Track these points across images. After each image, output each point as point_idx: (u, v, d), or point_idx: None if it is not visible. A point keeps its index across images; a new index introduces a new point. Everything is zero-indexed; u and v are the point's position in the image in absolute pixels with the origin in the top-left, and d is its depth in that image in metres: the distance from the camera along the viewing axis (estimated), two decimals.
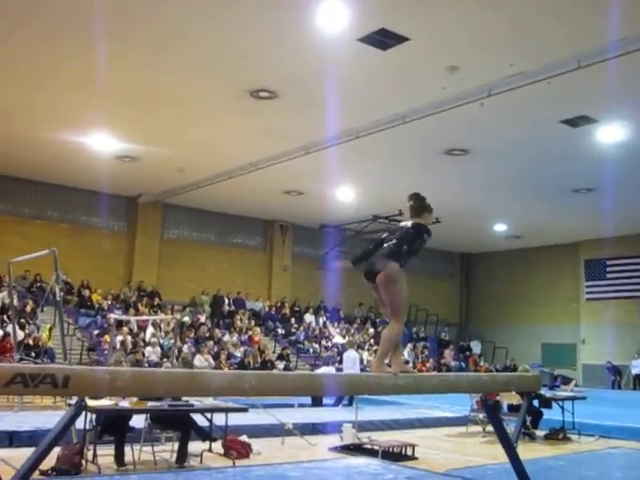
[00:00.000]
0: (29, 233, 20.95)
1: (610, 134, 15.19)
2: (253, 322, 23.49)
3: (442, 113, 13.70)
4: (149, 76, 13.11)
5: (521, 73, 11.96)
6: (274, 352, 21.82)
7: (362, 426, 10.99)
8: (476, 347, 29.59)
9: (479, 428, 11.94)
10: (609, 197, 19.19)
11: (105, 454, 7.62)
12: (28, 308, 18.19)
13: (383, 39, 11.22)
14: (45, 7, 10.61)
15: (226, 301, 24.24)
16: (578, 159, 17.00)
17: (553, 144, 16.04)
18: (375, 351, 23.59)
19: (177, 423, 8.18)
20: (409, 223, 5.52)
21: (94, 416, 7.63)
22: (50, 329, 17.28)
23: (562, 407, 11.92)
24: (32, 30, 11.36)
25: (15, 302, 14.01)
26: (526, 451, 9.01)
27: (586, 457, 10.16)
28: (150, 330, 19.61)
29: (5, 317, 17.20)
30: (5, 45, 11.95)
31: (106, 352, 15.90)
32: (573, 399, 12.32)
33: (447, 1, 10.14)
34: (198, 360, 18.04)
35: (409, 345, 24.69)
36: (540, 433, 11.73)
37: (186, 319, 21.30)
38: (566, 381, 20.37)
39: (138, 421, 8.21)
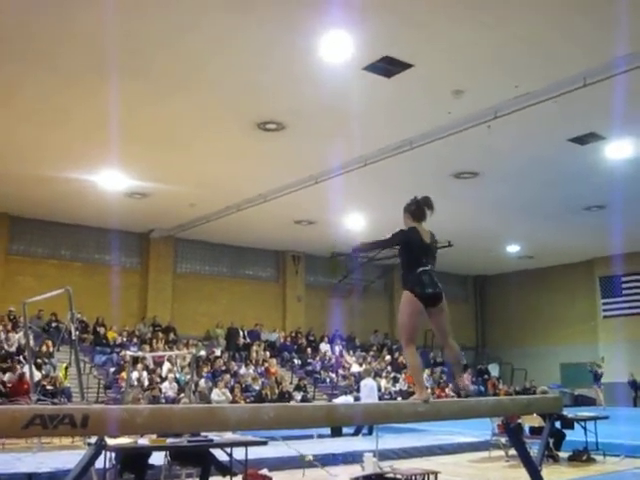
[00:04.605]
0: (43, 273, 21.08)
1: (619, 150, 15.17)
2: (269, 353, 23.43)
3: (449, 137, 13.75)
4: (158, 115, 13.23)
5: (527, 94, 11.99)
6: (291, 383, 21.70)
7: (383, 455, 10.85)
8: (494, 370, 29.31)
9: (502, 452, 11.75)
10: (620, 213, 19.10)
11: None
12: (44, 348, 18.20)
13: (387, 67, 11.31)
14: (58, 48, 10.77)
15: (241, 333, 24.19)
16: (588, 177, 16.96)
17: (562, 162, 16.01)
18: (393, 377, 23.54)
19: (197, 459, 8.12)
20: (429, 237, 5.31)
21: (113, 454, 7.58)
22: (66, 368, 17.28)
23: (584, 428, 11.73)
24: (45, 69, 11.50)
25: (31, 343, 14.03)
26: (551, 474, 8.88)
27: (613, 478, 9.98)
28: (166, 365, 19.58)
29: (21, 358, 17.22)
30: (18, 86, 12.11)
31: (122, 390, 15.85)
32: (595, 419, 12.13)
33: (448, 26, 10.21)
34: (215, 394, 17.98)
35: (427, 370, 24.51)
36: (564, 455, 11.53)
37: (202, 353, 21.25)
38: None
39: (158, 458, 8.16)
